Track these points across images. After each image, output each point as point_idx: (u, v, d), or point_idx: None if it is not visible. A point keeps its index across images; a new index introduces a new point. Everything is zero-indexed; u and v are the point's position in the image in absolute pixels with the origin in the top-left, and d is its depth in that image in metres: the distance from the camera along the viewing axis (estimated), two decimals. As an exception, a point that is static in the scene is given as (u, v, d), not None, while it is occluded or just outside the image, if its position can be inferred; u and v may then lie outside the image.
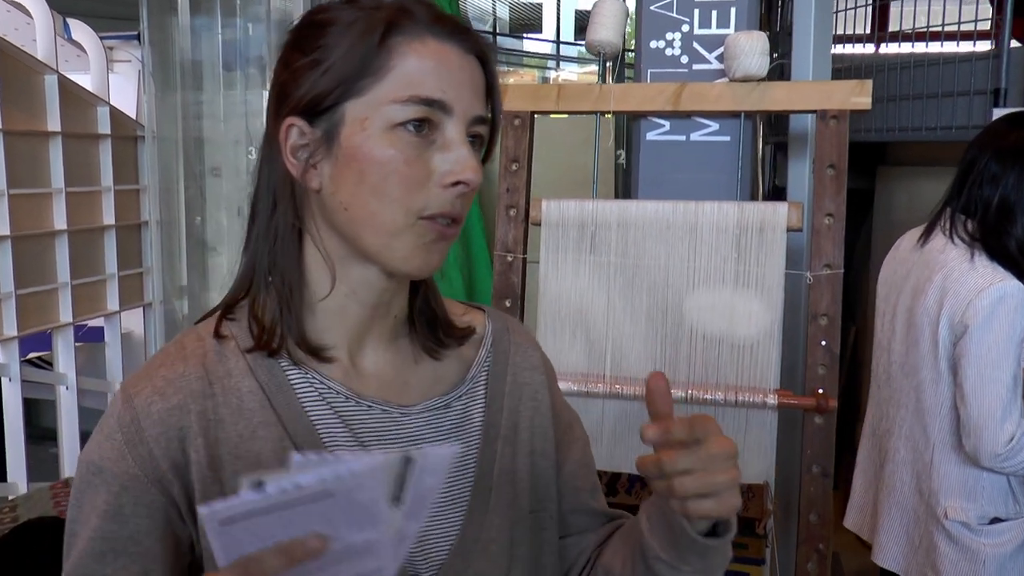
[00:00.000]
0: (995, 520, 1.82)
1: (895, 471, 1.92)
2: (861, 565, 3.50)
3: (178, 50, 3.81)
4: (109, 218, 3.37)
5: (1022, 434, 1.73)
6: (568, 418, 1.02)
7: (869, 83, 2.10)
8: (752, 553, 2.14)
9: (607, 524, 1.03)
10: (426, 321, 0.91)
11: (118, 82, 3.95)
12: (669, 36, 2.38)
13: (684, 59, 2.38)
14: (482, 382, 0.94)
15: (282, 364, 0.83)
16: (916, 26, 2.92)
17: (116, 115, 3.40)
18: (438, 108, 0.78)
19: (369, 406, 0.85)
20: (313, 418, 0.82)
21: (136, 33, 3.92)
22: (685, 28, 2.37)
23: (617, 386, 2.20)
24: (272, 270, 0.83)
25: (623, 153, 4.41)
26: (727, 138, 2.37)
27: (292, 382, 0.83)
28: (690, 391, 2.15)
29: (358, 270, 0.83)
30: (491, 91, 0.83)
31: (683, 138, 2.40)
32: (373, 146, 0.77)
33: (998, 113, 2.21)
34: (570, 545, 1.00)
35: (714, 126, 2.37)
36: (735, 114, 2.32)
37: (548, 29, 12.74)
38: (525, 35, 13.00)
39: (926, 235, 1.89)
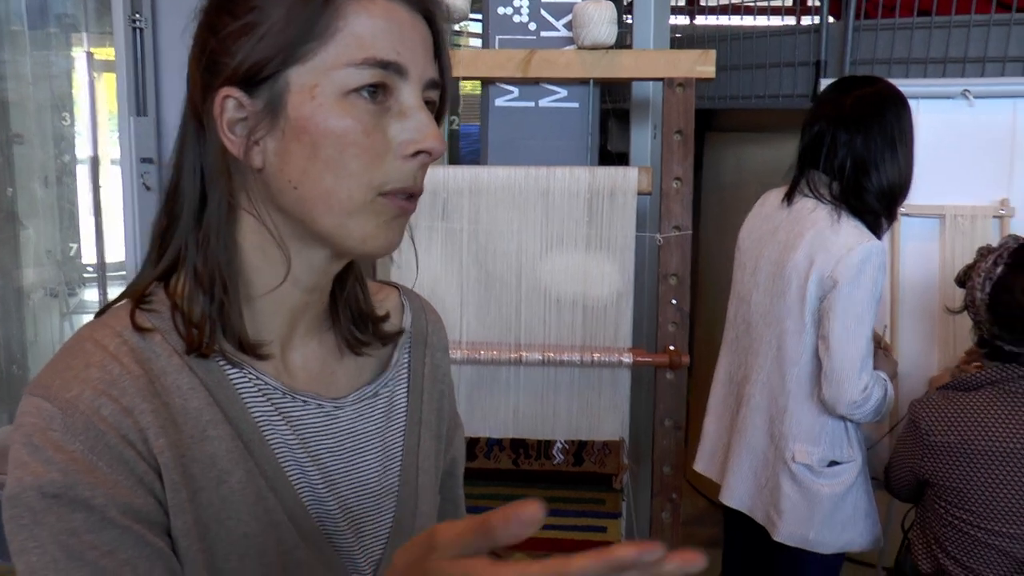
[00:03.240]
0: (833, 463, 1.97)
1: (749, 415, 2.04)
2: (695, 510, 3.71)
3: (-26, 5, 3.50)
4: (-96, 190, 3.06)
5: (874, 384, 1.88)
6: (454, 402, 1.00)
7: (713, 53, 2.18)
8: (609, 508, 2.22)
9: None
10: (351, 315, 0.85)
11: (-95, 39, 3.57)
12: (516, 3, 2.39)
13: (532, 26, 2.40)
14: (404, 365, 0.90)
15: (219, 361, 0.75)
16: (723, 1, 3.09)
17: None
18: (393, 71, 0.71)
19: (305, 401, 0.79)
20: (256, 415, 0.76)
21: (-76, -15, 3.56)
22: (533, -6, 2.39)
23: (473, 351, 2.21)
24: (204, 261, 0.74)
25: (457, 119, 4.43)
26: (575, 104, 2.41)
27: (231, 378, 0.75)
28: (547, 353, 2.19)
29: (304, 253, 0.76)
30: (439, 52, 0.76)
31: (532, 104, 2.42)
32: (327, 116, 0.70)
33: (825, 83, 2.35)
34: None
35: (562, 92, 2.41)
36: (583, 81, 2.36)
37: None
38: None
39: (789, 197, 2.00)
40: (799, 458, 1.95)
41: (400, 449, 0.87)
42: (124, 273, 3.26)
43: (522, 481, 2.21)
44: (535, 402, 2.25)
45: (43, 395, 0.68)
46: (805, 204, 1.96)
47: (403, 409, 0.88)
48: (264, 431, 0.76)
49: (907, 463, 1.89)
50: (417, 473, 0.87)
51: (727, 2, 3.06)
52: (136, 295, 0.76)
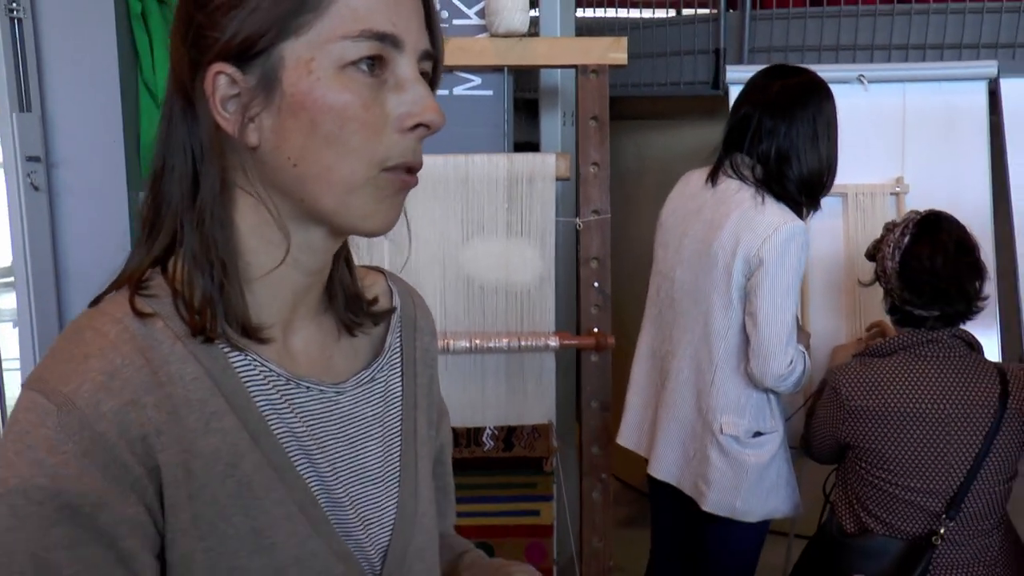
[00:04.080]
0: (757, 434, 2.04)
1: (676, 389, 2.09)
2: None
3: None
4: None
5: (798, 356, 1.97)
6: (439, 389, 0.99)
7: (624, 40, 2.23)
8: (541, 491, 2.24)
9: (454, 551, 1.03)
10: (344, 295, 0.84)
11: None
12: (428, -10, 2.39)
13: (444, 14, 2.40)
14: (397, 349, 0.89)
15: (221, 347, 0.73)
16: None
17: None
18: (390, 43, 0.69)
19: (308, 388, 0.78)
20: (261, 404, 0.74)
21: None
22: (444, -18, 2.39)
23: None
24: (200, 243, 0.71)
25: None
26: (489, 92, 2.42)
27: (235, 366, 0.73)
28: (474, 341, 2.20)
29: (302, 233, 0.75)
30: (430, 22, 0.75)
31: (446, 92, 2.42)
32: (325, 90, 0.68)
33: (731, 69, 2.44)
34: None
35: (476, 80, 2.42)
36: (497, 68, 2.38)
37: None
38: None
39: (713, 177, 2.06)
40: (727, 429, 2.01)
41: (399, 435, 0.86)
42: (11, 279, 3.08)
43: (454, 469, 2.21)
44: (464, 390, 2.25)
45: (40, 389, 0.66)
46: (730, 185, 2.02)
47: (398, 394, 0.87)
48: (270, 420, 0.74)
49: (828, 428, 1.98)
50: (416, 458, 0.87)
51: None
52: (133, 281, 0.73)
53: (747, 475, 2.02)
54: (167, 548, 0.69)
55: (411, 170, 0.74)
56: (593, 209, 2.26)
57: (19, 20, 2.95)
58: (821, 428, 2.01)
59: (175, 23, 0.73)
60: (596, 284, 2.26)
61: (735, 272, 1.96)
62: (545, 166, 2.22)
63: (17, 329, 3.12)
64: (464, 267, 2.25)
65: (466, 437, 2.20)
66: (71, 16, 2.98)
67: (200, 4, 0.70)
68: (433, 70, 0.77)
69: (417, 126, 0.71)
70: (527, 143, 2.86)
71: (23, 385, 0.68)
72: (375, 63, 0.70)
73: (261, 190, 0.73)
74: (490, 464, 2.22)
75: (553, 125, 2.65)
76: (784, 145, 1.97)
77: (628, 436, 2.26)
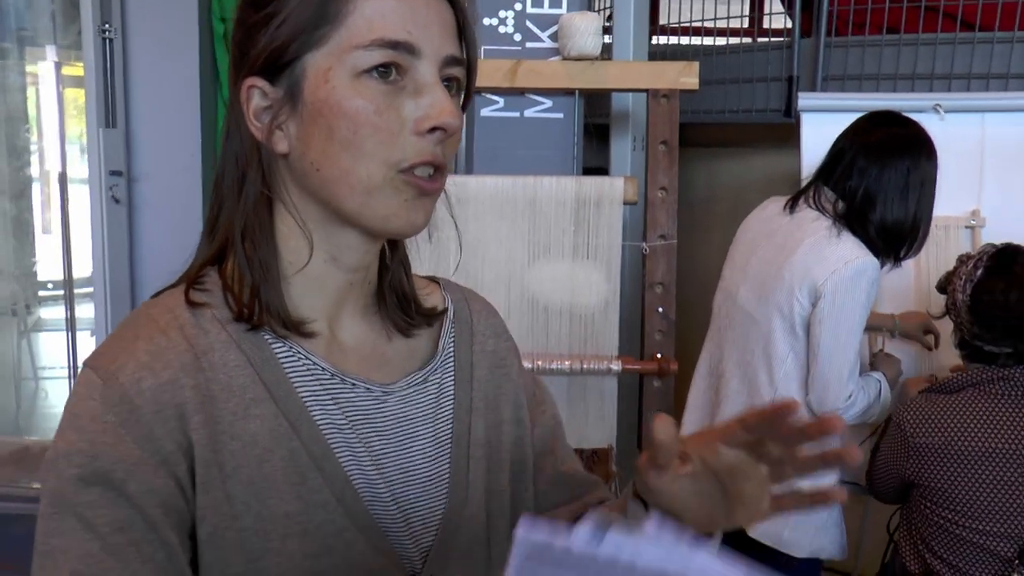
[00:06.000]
0: (811, 467, 2.01)
1: (731, 411, 2.07)
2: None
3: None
4: None
5: (858, 391, 1.95)
6: (531, 382, 0.99)
7: (696, 65, 2.23)
8: (599, 514, 2.22)
9: (578, 500, 0.99)
10: (397, 298, 0.86)
11: None
12: (502, 14, 2.42)
13: (517, 37, 2.43)
14: (451, 354, 0.90)
15: (266, 338, 0.78)
16: (682, 21, 3.17)
17: None
18: (404, 50, 0.72)
19: (353, 384, 0.81)
20: (303, 395, 0.78)
21: None
22: (518, 7, 2.42)
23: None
24: (244, 241, 0.77)
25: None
26: (560, 115, 2.44)
27: (278, 356, 0.78)
28: (536, 362, 2.20)
29: (338, 234, 0.79)
30: (463, 30, 0.78)
31: (517, 114, 2.45)
32: (340, 98, 0.72)
33: (804, 97, 2.42)
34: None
35: (547, 103, 2.44)
36: (568, 91, 2.40)
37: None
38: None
39: (792, 204, 2.05)
40: None
41: (449, 439, 0.87)
42: (91, 289, 3.19)
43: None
44: (524, 410, 2.25)
45: (92, 366, 0.74)
46: (807, 214, 2.01)
47: (451, 397, 0.88)
48: (312, 410, 0.77)
49: (892, 465, 1.93)
50: (468, 461, 0.87)
51: (688, 24, 3.13)
52: (190, 276, 0.79)
53: None
54: (198, 524, 0.73)
55: (435, 173, 0.76)
56: (660, 234, 2.25)
57: (110, 40, 3.06)
58: (884, 465, 1.96)
59: (230, 45, 0.79)
60: (660, 309, 2.25)
61: (800, 298, 1.94)
62: (613, 190, 2.23)
63: (95, 338, 3.23)
64: (529, 288, 2.26)
65: (525, 458, 2.20)
66: (158, 37, 3.09)
67: (242, 23, 0.77)
68: (468, 76, 0.80)
69: (434, 129, 0.74)
70: (598, 168, 2.87)
71: (83, 361, 0.75)
72: (390, 70, 0.73)
73: (293, 195, 0.78)
74: (549, 486, 2.21)
75: (623, 149, 2.66)
76: (873, 188, 1.94)
77: None
